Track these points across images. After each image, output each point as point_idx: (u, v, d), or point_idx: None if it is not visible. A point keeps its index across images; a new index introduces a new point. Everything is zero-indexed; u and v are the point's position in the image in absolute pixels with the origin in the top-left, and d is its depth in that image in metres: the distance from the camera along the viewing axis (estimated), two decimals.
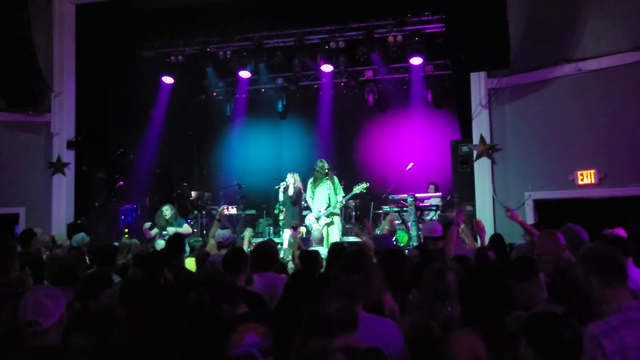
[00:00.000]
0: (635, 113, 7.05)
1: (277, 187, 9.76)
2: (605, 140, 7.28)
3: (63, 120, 9.50)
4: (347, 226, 10.66)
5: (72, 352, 2.54)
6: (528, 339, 2.00)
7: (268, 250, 4.56)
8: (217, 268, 4.00)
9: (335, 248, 5.06)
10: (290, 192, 9.34)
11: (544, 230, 3.92)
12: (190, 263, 5.46)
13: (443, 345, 2.50)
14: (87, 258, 6.09)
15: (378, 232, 8.13)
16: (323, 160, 9.51)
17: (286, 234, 8.84)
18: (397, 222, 8.88)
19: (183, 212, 12.17)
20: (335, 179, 9.55)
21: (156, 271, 3.96)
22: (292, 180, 9.39)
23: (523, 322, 2.06)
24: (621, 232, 4.81)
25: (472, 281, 2.59)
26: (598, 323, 2.30)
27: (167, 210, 8.55)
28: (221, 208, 10.13)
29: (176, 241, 5.00)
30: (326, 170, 9.36)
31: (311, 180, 9.53)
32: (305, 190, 9.59)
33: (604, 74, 7.24)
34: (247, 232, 7.59)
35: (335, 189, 9.36)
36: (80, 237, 6.24)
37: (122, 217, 10.52)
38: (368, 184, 9.39)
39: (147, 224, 8.70)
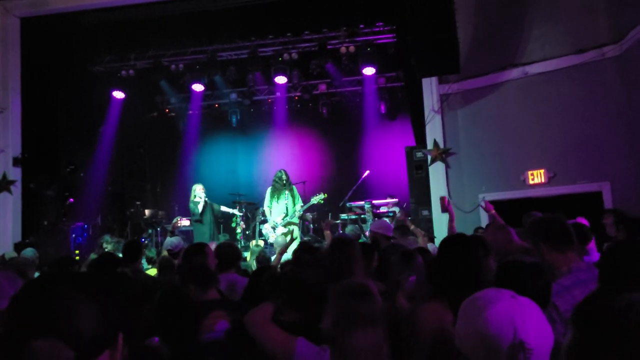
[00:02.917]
0: (579, 113, 7.39)
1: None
2: (553, 140, 7.59)
3: (8, 136, 9.14)
4: (304, 238, 10.64)
5: None
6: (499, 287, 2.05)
7: (230, 250, 4.53)
8: None
9: (304, 246, 5.05)
10: (200, 206, 9.53)
11: (492, 224, 4.04)
12: (152, 273, 5.32)
13: (409, 316, 2.52)
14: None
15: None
16: (282, 170, 9.53)
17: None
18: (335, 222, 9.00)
19: (137, 230, 11.91)
20: (295, 189, 9.57)
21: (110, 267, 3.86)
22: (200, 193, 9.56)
23: (494, 271, 2.11)
24: (583, 221, 5.02)
25: (441, 250, 2.62)
26: (552, 284, 2.39)
27: (108, 244, 8.15)
28: (175, 220, 10.00)
29: (132, 246, 4.82)
30: (284, 181, 9.36)
31: (270, 189, 9.51)
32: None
33: (549, 76, 7.57)
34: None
35: (294, 199, 9.37)
36: (30, 250, 5.98)
37: (73, 235, 10.13)
38: (326, 194, 9.42)
39: None
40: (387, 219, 9.11)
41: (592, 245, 4.35)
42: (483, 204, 5.45)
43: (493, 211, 5.35)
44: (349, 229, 8.79)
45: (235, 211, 10.37)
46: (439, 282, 2.54)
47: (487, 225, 5.63)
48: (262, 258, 6.13)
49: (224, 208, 10.15)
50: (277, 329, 2.23)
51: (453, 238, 2.78)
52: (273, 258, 6.38)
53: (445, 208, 5.36)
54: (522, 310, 1.38)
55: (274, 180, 9.44)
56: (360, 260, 3.43)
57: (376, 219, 8.92)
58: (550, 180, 7.60)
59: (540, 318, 1.40)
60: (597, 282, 2.30)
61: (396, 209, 9.81)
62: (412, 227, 6.06)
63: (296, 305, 2.34)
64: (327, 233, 6.72)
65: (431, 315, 2.42)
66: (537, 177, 7.68)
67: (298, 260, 4.29)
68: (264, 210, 10.90)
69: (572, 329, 1.14)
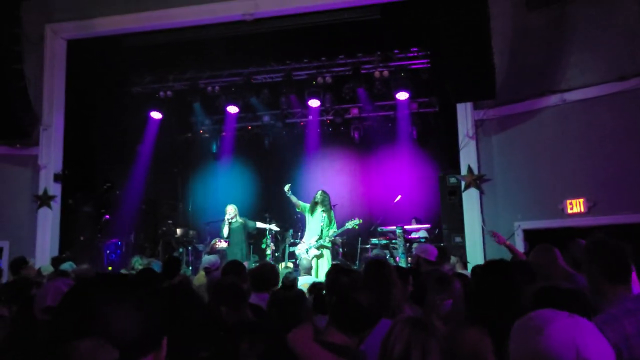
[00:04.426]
0: (620, 141, 7.23)
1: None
2: (593, 169, 7.43)
3: (51, 153, 9.43)
4: (334, 262, 10.58)
5: None
6: None
7: (267, 271, 4.54)
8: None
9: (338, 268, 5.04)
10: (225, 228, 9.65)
11: (539, 245, 3.96)
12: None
13: (446, 340, 2.48)
14: None
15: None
16: (324, 192, 9.46)
17: None
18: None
19: (168, 249, 12.04)
20: (332, 213, 9.48)
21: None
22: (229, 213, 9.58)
23: (531, 296, 2.06)
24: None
25: (481, 277, 2.58)
26: (599, 315, 2.37)
27: (139, 265, 8.32)
28: (213, 241, 10.12)
29: (172, 262, 4.90)
30: (316, 200, 9.32)
31: (308, 207, 9.50)
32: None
33: (589, 104, 7.45)
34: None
35: (329, 223, 9.30)
36: (69, 264, 6.12)
37: (107, 252, 10.31)
38: (361, 220, 9.35)
39: None
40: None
41: (633, 276, 4.22)
42: (495, 238, 5.33)
43: (507, 242, 5.26)
44: (374, 253, 8.73)
45: (273, 226, 10.39)
46: (479, 307, 2.50)
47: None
48: (287, 280, 6.13)
49: (259, 224, 10.19)
50: (325, 351, 2.21)
51: (495, 263, 2.74)
52: (299, 280, 6.39)
53: (500, 241, 5.27)
54: (582, 329, 1.35)
55: (313, 199, 9.43)
56: (399, 282, 3.39)
57: (407, 245, 8.83)
58: (590, 210, 7.42)
59: (599, 337, 1.37)
60: None
61: (426, 234, 9.71)
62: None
63: (346, 327, 2.31)
64: None
65: (470, 340, 2.39)
66: (576, 206, 7.51)
67: (335, 283, 4.28)
68: (293, 233, 10.94)
69: None
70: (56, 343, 0.99)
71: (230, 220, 9.70)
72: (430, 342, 2.06)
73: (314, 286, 4.79)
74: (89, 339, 0.98)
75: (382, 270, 3.35)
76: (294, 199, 9.51)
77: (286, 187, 9.43)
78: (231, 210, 9.78)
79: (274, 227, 10.37)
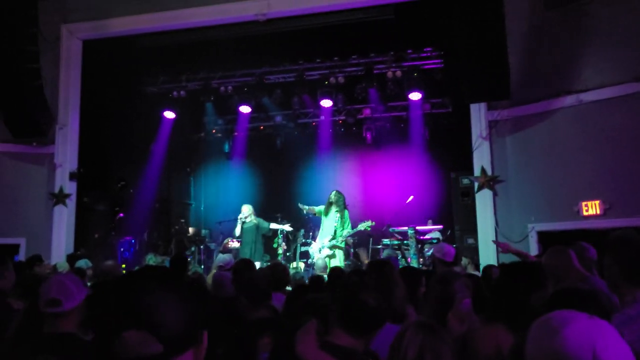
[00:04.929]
0: (637, 142, 7.16)
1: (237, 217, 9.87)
2: (609, 171, 7.35)
3: (67, 151, 9.55)
4: (345, 262, 10.58)
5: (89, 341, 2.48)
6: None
7: (279, 271, 4.56)
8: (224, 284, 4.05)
9: (336, 271, 5.07)
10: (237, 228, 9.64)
11: (553, 246, 3.92)
12: None
13: (464, 338, 2.47)
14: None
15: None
16: (338, 192, 9.47)
17: None
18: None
19: (180, 247, 12.10)
20: (347, 213, 9.49)
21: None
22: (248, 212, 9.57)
23: (547, 298, 2.05)
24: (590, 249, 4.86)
25: (504, 276, 2.57)
26: (616, 316, 2.36)
27: (151, 260, 8.40)
28: (225, 241, 10.14)
29: (179, 260, 4.92)
30: (331, 201, 9.33)
31: (323, 208, 9.52)
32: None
33: (605, 104, 7.37)
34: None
35: (343, 223, 9.30)
36: (84, 262, 6.18)
37: (121, 249, 10.38)
38: (373, 222, 9.34)
39: None
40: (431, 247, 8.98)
41: None
42: (501, 248, 5.31)
43: (512, 248, 5.21)
44: (385, 253, 8.71)
45: (286, 227, 10.38)
46: (500, 306, 2.49)
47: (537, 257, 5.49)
48: (297, 281, 6.15)
49: (273, 225, 10.18)
50: (329, 357, 2.17)
51: (517, 264, 2.73)
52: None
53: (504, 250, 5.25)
54: (601, 331, 1.34)
55: (328, 199, 9.46)
56: (401, 282, 3.35)
57: (419, 246, 8.80)
58: (606, 212, 7.34)
59: (619, 339, 1.36)
60: None
61: (439, 236, 9.67)
62: None
63: (353, 328, 2.27)
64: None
65: (492, 337, 2.38)
66: (591, 208, 7.44)
67: (347, 282, 4.28)
68: (305, 233, 10.95)
69: None
70: (102, 333, 1.00)
71: (243, 220, 9.71)
72: (443, 347, 2.05)
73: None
74: (136, 332, 0.99)
75: (384, 269, 3.32)
76: (307, 208, 9.58)
77: (300, 205, 9.44)
78: (245, 210, 9.79)
79: (287, 227, 10.37)
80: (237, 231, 9.75)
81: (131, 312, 1.00)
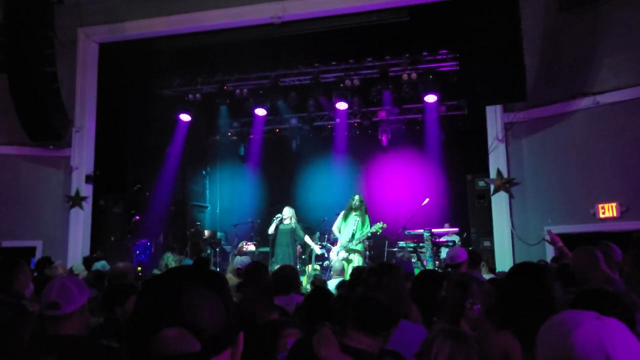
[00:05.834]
0: None
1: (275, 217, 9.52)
2: (626, 173, 7.25)
3: (83, 154, 9.64)
4: (363, 265, 10.53)
5: (94, 344, 2.48)
6: None
7: (288, 273, 4.54)
8: None
9: (358, 271, 5.03)
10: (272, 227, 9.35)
11: (580, 247, 3.85)
12: None
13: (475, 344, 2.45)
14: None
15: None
16: (361, 197, 9.32)
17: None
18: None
19: (196, 250, 12.16)
20: (367, 217, 9.39)
21: None
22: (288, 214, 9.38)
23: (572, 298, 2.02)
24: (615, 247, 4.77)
25: (513, 279, 2.52)
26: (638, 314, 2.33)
27: (172, 261, 8.28)
28: (240, 244, 10.09)
29: (201, 263, 4.94)
30: (352, 206, 9.24)
31: (343, 212, 9.45)
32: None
33: (622, 106, 7.28)
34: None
35: (362, 227, 9.21)
36: (102, 264, 6.23)
37: (137, 252, 10.47)
38: (385, 225, 9.25)
39: None
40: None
41: None
42: (548, 237, 5.18)
43: (560, 244, 5.11)
44: (400, 256, 8.65)
45: (317, 247, 9.99)
46: (510, 311, 2.45)
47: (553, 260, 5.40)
48: (318, 282, 6.13)
49: (307, 239, 9.67)
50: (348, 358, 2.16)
51: (525, 266, 2.68)
52: (329, 282, 6.38)
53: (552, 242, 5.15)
54: (610, 330, 1.31)
55: (348, 204, 9.38)
56: (406, 286, 3.34)
57: (434, 248, 8.72)
58: (622, 215, 7.23)
59: (630, 338, 1.32)
60: None
61: (456, 238, 9.58)
62: None
63: (368, 326, 2.27)
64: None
65: (501, 343, 2.35)
66: (608, 210, 7.33)
67: (365, 283, 4.27)
68: (320, 236, 10.90)
69: None
70: (140, 331, 0.99)
71: (281, 220, 9.37)
72: (471, 352, 2.05)
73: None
74: (176, 329, 0.97)
75: (391, 272, 3.29)
76: (334, 234, 9.53)
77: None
78: (287, 212, 9.42)
79: (317, 249, 9.98)
80: (271, 229, 9.37)
81: (172, 309, 0.98)
